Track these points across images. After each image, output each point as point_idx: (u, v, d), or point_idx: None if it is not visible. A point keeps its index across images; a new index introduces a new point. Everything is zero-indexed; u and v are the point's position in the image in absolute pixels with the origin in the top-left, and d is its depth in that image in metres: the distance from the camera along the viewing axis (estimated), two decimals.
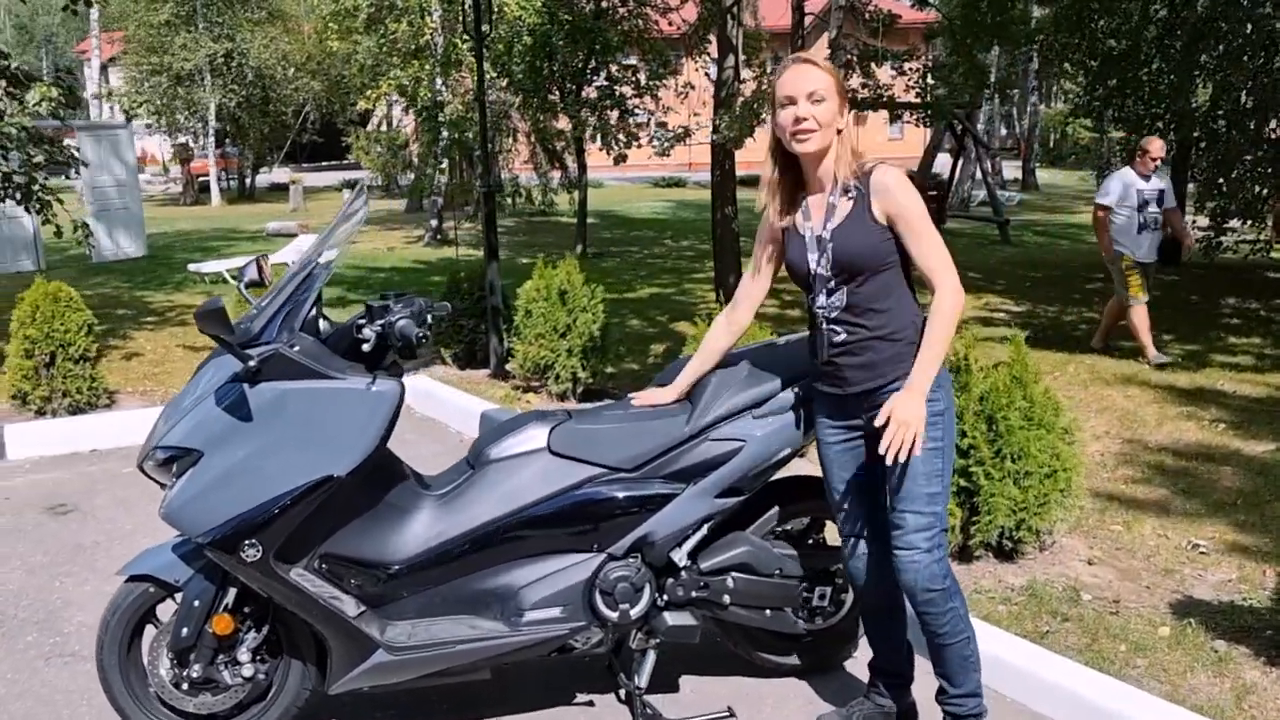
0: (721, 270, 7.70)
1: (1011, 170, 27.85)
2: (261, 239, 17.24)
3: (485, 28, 6.67)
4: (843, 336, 2.49)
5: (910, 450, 2.35)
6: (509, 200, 19.80)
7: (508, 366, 6.64)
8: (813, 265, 2.50)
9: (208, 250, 15.29)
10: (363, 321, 2.53)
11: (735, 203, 7.69)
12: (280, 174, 30.60)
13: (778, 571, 2.87)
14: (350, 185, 27.37)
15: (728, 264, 7.62)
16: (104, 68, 29.81)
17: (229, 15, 25.19)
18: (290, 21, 25.93)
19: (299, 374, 2.38)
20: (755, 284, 2.81)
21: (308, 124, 30.09)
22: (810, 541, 3.04)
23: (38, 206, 7.62)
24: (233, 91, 25.35)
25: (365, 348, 2.46)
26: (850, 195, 2.43)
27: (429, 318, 2.63)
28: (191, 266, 12.38)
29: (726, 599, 2.82)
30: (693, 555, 2.79)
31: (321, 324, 2.70)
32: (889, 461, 2.38)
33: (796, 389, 2.75)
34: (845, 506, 2.66)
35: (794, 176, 2.55)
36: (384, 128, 25.16)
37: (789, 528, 3.01)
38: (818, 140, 2.42)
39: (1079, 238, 16.60)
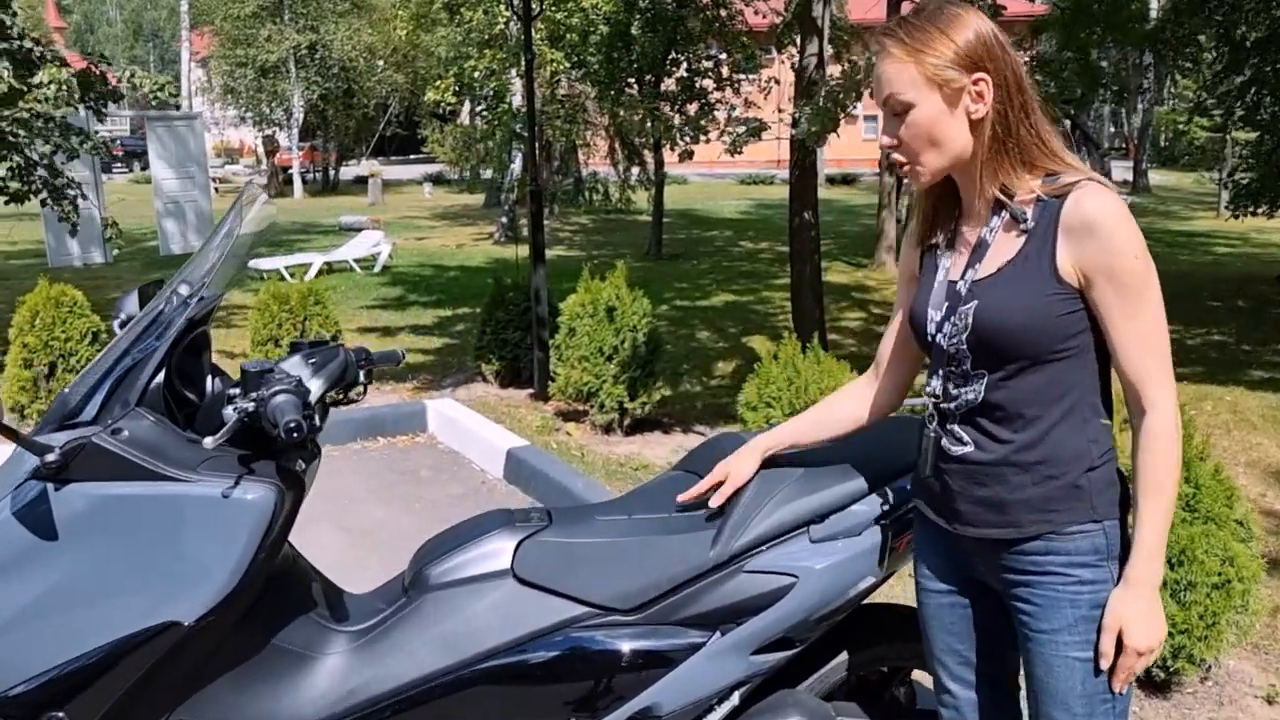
0: (798, 281, 6.81)
1: (1120, 172, 26.18)
2: (335, 232, 16.92)
3: (535, 6, 5.89)
4: (965, 450, 1.59)
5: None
6: (585, 197, 19.13)
7: (551, 387, 5.86)
8: (931, 328, 1.60)
9: (280, 245, 14.95)
10: (234, 392, 1.75)
11: (816, 206, 6.79)
12: (365, 167, 30.54)
13: None
14: (433, 180, 27.06)
15: (804, 274, 6.73)
16: (204, 62, 30.09)
17: (314, 6, 25.09)
18: (374, 13, 25.72)
19: (123, 472, 1.61)
20: (892, 336, 1.84)
21: (391, 117, 29.94)
22: (889, 700, 2.17)
23: (55, 200, 7.13)
24: (316, 84, 25.31)
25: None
26: (1021, 228, 1.51)
27: (328, 392, 1.85)
28: (251, 263, 11.92)
29: None
30: None
31: (213, 384, 1.94)
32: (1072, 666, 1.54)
33: (881, 497, 1.89)
34: (951, 688, 1.78)
35: (954, 185, 1.65)
36: (466, 120, 24.80)
37: (861, 675, 2.14)
38: (925, 169, 1.56)
39: (1200, 247, 15.18)
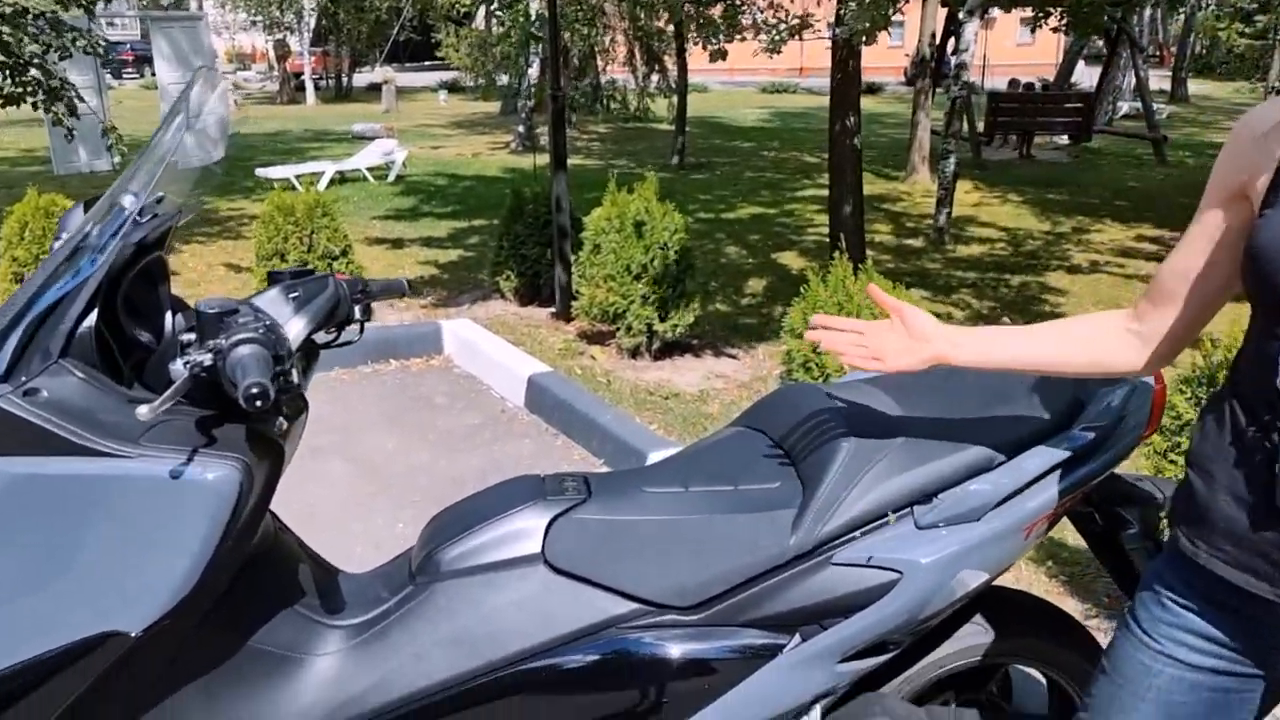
0: (838, 195, 6.35)
1: (1156, 80, 25.14)
2: (347, 140, 16.40)
3: None
4: None
5: None
6: (603, 104, 18.46)
7: (573, 306, 5.48)
8: None
9: (293, 153, 14.46)
10: (188, 339, 1.37)
11: (859, 112, 6.28)
12: (378, 73, 29.73)
13: None
14: (448, 87, 26.24)
15: (845, 188, 6.27)
16: None
17: None
18: None
19: (40, 445, 1.25)
20: (1175, 276, 1.31)
21: (405, 21, 29.00)
22: (985, 699, 1.83)
23: (49, 103, 6.70)
24: None
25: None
26: None
27: (315, 333, 1.47)
28: (259, 171, 11.49)
29: None
30: None
31: (174, 324, 1.57)
32: None
33: (1012, 471, 1.52)
34: None
35: None
36: (481, 25, 23.94)
37: (956, 669, 1.79)
38: None
39: None
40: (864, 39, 5.44)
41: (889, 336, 1.42)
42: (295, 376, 1.40)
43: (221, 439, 1.33)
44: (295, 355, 1.43)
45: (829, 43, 6.31)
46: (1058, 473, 1.55)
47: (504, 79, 20.10)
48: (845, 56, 6.03)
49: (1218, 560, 1.19)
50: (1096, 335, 1.37)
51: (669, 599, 1.51)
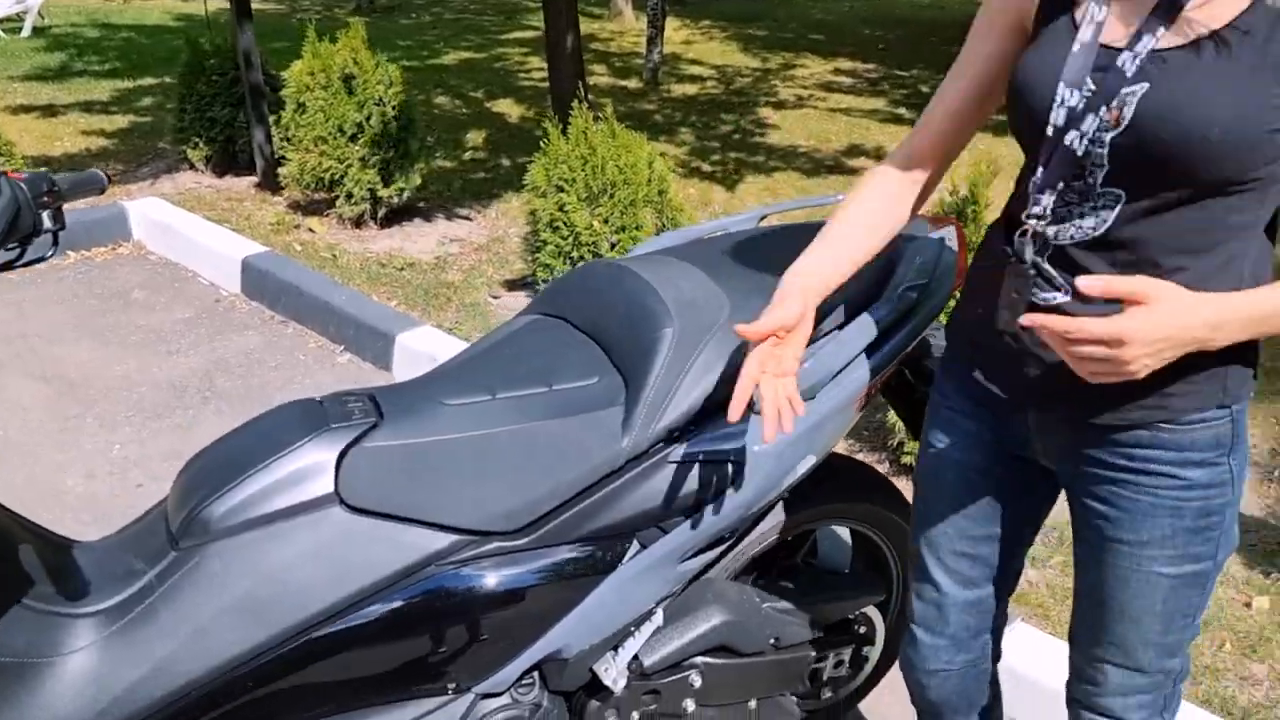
0: (555, 37, 6.02)
1: None
2: None
3: None
4: (1061, 299, 1.13)
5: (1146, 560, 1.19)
6: None
7: (281, 173, 4.93)
8: (1059, 115, 1.09)
9: None
10: None
11: None
12: None
13: (772, 643, 1.66)
14: None
15: (562, 27, 5.94)
16: None
17: None
18: None
19: None
20: (950, 116, 1.28)
21: None
22: (808, 569, 1.83)
23: None
24: None
25: None
26: None
27: None
28: None
29: (689, 705, 1.60)
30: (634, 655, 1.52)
31: None
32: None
33: (837, 344, 1.44)
34: (939, 580, 1.41)
35: None
36: None
37: (773, 542, 1.76)
38: None
39: None
40: None
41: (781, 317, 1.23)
42: None
43: None
44: None
45: None
46: (883, 339, 1.50)
47: None
48: None
49: (967, 366, 1.31)
50: (887, 205, 1.32)
51: (493, 525, 1.33)
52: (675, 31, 10.59)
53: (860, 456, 3.00)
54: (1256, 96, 0.99)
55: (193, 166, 5.63)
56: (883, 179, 1.32)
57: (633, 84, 8.38)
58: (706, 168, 5.95)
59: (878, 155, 6.37)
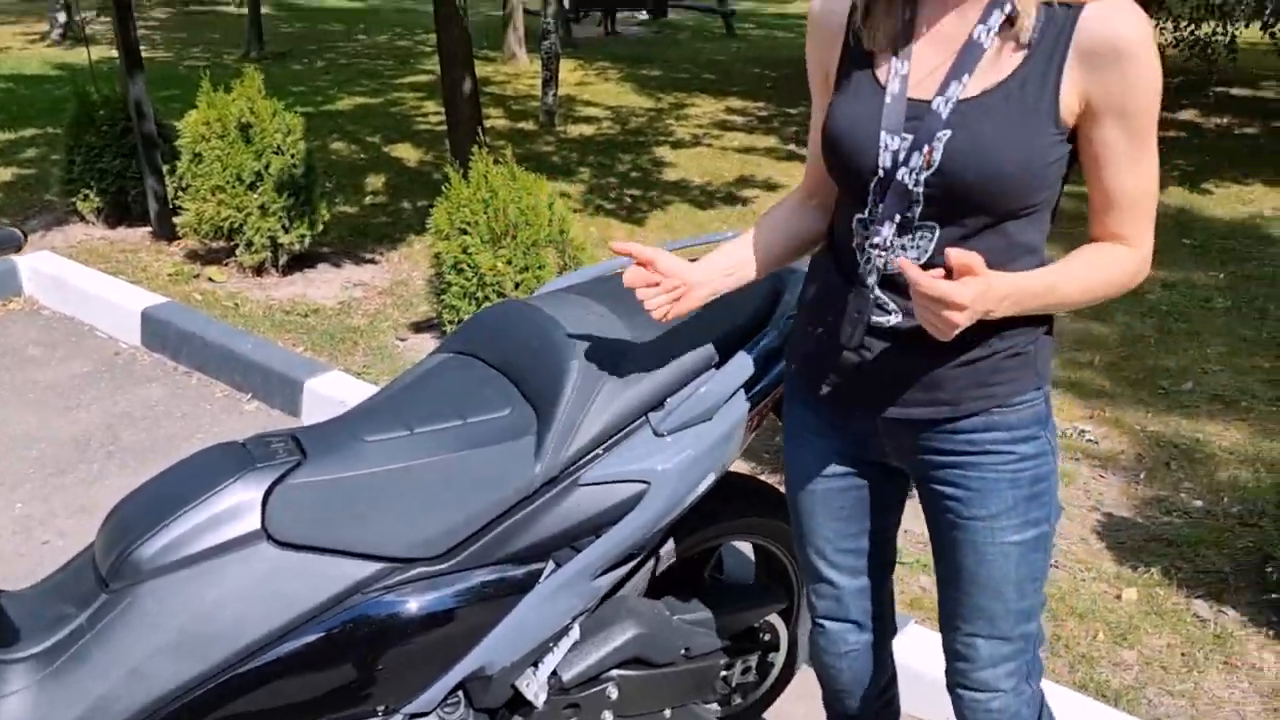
0: (452, 81, 6.12)
1: None
2: None
3: None
4: (894, 320, 1.29)
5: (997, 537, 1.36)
6: None
7: (177, 222, 4.90)
8: (886, 159, 1.24)
9: None
10: None
11: None
12: None
13: (683, 653, 1.76)
14: None
15: (459, 74, 6.05)
16: None
17: None
18: None
19: None
20: (819, 157, 1.42)
21: None
22: (709, 580, 1.94)
23: None
24: None
25: None
26: (1024, 39, 1.17)
27: None
28: None
29: (608, 717, 1.70)
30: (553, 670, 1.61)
31: None
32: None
33: (732, 369, 1.57)
34: (832, 576, 1.56)
35: None
36: None
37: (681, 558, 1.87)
38: None
39: (797, 28, 15.95)
40: None
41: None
42: None
43: None
44: None
45: None
46: (771, 363, 1.63)
47: None
48: None
49: (814, 386, 1.42)
50: (788, 215, 1.52)
51: (415, 552, 1.42)
52: (570, 73, 10.78)
53: (763, 477, 3.14)
54: (1039, 136, 1.18)
55: (83, 218, 5.53)
56: (786, 201, 1.55)
57: (530, 126, 8.52)
58: (607, 205, 6.10)
59: (768, 186, 6.63)
